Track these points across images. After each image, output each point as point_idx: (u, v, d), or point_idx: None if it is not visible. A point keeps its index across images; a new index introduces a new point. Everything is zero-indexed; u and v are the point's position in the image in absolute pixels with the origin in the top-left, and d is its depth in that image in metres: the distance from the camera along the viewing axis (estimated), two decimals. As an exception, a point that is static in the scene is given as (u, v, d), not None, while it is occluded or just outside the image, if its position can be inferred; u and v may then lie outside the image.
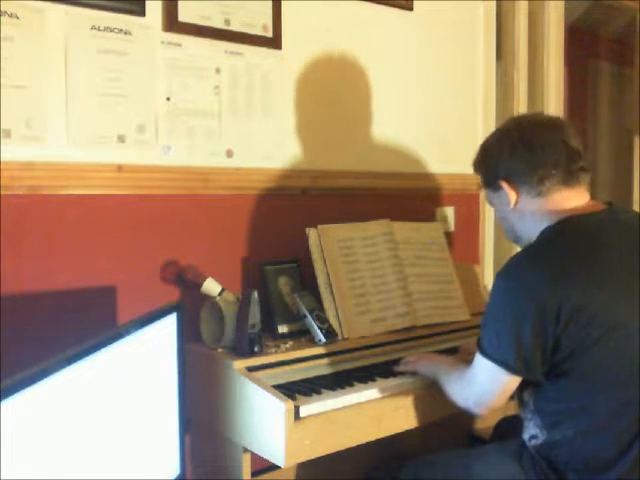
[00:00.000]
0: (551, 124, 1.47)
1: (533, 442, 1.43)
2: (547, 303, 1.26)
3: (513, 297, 1.32)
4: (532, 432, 1.43)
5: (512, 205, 1.45)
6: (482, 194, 2.43)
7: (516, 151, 1.42)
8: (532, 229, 1.42)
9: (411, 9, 2.27)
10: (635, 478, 1.33)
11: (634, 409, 1.32)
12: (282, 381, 1.60)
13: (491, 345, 1.34)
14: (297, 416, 1.43)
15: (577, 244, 1.35)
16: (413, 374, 1.68)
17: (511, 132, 1.46)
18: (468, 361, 1.46)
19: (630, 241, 1.39)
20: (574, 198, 1.41)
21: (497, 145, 1.48)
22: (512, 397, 1.47)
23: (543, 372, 1.32)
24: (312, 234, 1.85)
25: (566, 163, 1.40)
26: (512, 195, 1.44)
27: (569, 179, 1.40)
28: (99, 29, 1.64)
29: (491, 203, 1.58)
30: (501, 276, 1.37)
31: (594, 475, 1.34)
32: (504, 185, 1.45)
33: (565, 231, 1.36)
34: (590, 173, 1.44)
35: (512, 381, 1.35)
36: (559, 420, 1.37)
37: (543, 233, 1.38)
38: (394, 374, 1.69)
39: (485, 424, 2.19)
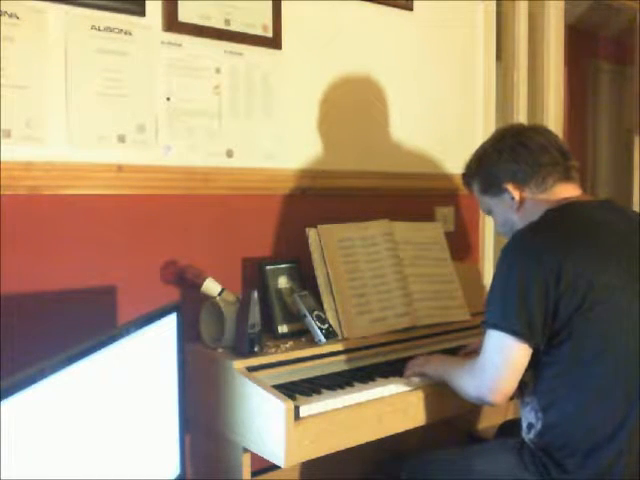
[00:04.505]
0: (540, 129, 1.64)
1: (532, 433, 1.45)
2: (550, 266, 1.34)
3: (519, 262, 1.40)
4: (529, 419, 1.46)
5: (517, 205, 1.54)
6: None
7: (517, 154, 1.53)
8: (533, 217, 1.49)
9: (411, 9, 2.27)
10: (633, 452, 1.35)
11: (630, 376, 1.36)
12: (282, 381, 1.60)
13: (497, 315, 1.40)
14: (297, 416, 1.43)
15: (577, 220, 1.46)
16: (419, 375, 1.68)
17: (507, 138, 1.57)
18: (475, 356, 1.49)
19: (624, 221, 1.51)
20: (571, 190, 1.53)
21: (495, 151, 1.57)
22: (512, 398, 1.49)
23: (544, 339, 1.37)
24: (312, 234, 1.85)
25: (563, 161, 1.53)
26: (517, 195, 1.53)
27: (567, 175, 1.53)
28: (99, 29, 1.64)
29: (489, 210, 1.65)
30: (506, 248, 1.44)
31: (592, 455, 1.36)
32: (509, 187, 1.54)
33: (566, 211, 1.47)
34: (578, 172, 1.57)
35: (520, 351, 1.38)
36: (556, 398, 1.40)
37: (546, 213, 1.47)
38: (394, 374, 1.69)
39: (486, 424, 2.19)
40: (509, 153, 1.53)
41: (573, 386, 1.38)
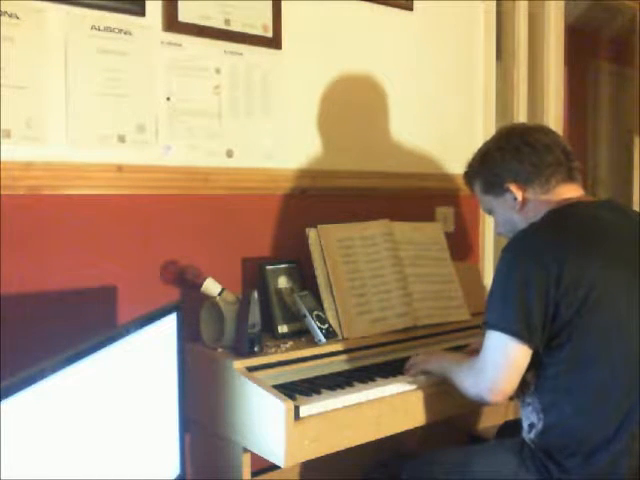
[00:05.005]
0: (544, 129, 1.62)
1: (532, 433, 1.45)
2: (550, 267, 1.34)
3: (520, 263, 1.39)
4: (530, 419, 1.46)
5: (519, 205, 1.53)
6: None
7: (521, 153, 1.52)
8: (534, 218, 1.48)
9: (411, 9, 2.27)
10: (634, 452, 1.35)
11: (631, 377, 1.36)
12: (282, 381, 1.60)
13: (497, 315, 1.40)
14: (297, 416, 1.43)
15: (578, 221, 1.45)
16: (421, 373, 1.68)
17: (510, 138, 1.56)
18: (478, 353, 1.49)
19: (625, 221, 1.50)
20: (574, 191, 1.52)
21: (499, 150, 1.56)
22: (512, 398, 1.48)
23: (543, 340, 1.37)
24: (312, 234, 1.85)
25: (566, 162, 1.52)
26: (520, 195, 1.52)
27: (570, 175, 1.52)
28: (99, 29, 1.64)
29: (490, 210, 1.64)
30: (507, 249, 1.44)
31: (593, 455, 1.36)
32: (512, 187, 1.53)
33: (567, 212, 1.46)
34: (580, 173, 1.56)
35: (520, 351, 1.38)
36: (557, 399, 1.40)
37: (547, 214, 1.47)
38: (394, 374, 1.68)
39: (486, 424, 2.19)
40: (513, 153, 1.52)
41: (574, 387, 1.38)
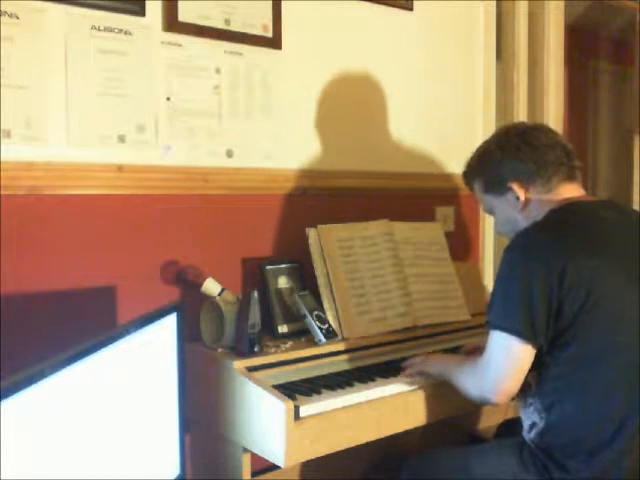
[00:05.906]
0: (545, 128, 1.61)
1: (533, 433, 1.45)
2: (553, 266, 1.34)
3: (522, 262, 1.39)
4: (531, 419, 1.46)
5: (522, 204, 1.52)
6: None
7: (523, 152, 1.51)
8: (536, 217, 1.48)
9: (411, 9, 2.27)
10: (634, 452, 1.35)
11: (632, 377, 1.36)
12: (282, 381, 1.60)
13: (500, 315, 1.40)
14: (297, 416, 1.43)
15: (580, 220, 1.46)
16: (419, 374, 1.68)
17: (511, 137, 1.55)
18: (478, 354, 1.48)
19: (626, 220, 1.51)
20: (575, 191, 1.53)
21: (499, 150, 1.55)
22: (513, 398, 1.48)
23: (547, 339, 1.37)
24: (312, 234, 1.85)
25: (567, 161, 1.52)
26: (522, 195, 1.52)
27: (571, 175, 1.52)
28: (99, 29, 1.64)
29: (491, 210, 1.63)
30: (509, 249, 1.44)
31: (594, 455, 1.36)
32: (514, 186, 1.52)
33: (569, 210, 1.47)
34: (581, 172, 1.57)
35: (524, 352, 1.37)
36: (558, 399, 1.40)
37: (549, 213, 1.47)
38: (394, 374, 1.68)
39: (486, 424, 2.19)
40: (514, 152, 1.52)
41: (576, 387, 1.38)
